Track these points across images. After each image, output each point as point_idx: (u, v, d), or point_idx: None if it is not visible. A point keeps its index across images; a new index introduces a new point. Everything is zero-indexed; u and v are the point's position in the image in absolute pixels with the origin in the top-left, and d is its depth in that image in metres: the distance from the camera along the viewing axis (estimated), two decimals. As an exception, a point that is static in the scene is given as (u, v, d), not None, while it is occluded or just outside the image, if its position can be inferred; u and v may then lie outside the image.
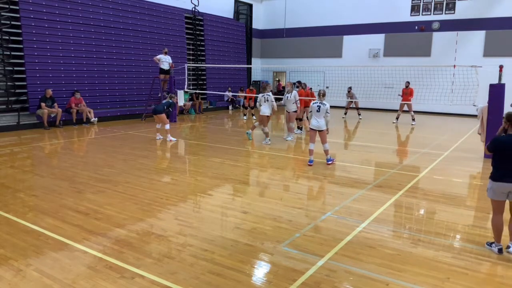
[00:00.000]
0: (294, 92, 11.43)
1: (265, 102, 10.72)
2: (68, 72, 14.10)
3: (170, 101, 11.20)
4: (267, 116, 10.79)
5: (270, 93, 10.98)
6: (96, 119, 14.20)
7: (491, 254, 4.20)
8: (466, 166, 8.59)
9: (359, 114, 17.49)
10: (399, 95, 16.45)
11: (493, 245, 4.25)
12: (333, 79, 18.27)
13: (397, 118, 16.31)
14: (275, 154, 9.53)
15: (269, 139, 10.86)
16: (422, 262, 4.00)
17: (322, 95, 8.23)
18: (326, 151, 8.38)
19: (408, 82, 16.06)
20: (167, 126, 10.84)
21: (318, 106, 8.12)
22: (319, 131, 8.21)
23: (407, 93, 15.93)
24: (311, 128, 8.32)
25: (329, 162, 8.36)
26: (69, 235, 4.48)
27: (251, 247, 4.29)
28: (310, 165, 8.23)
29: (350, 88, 17.26)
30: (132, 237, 4.47)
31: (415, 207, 5.91)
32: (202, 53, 20.29)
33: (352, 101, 17.19)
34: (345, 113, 17.75)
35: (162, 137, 11.17)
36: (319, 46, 23.30)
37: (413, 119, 15.89)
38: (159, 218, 5.13)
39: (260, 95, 11.06)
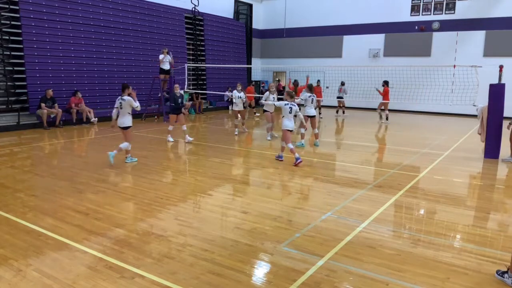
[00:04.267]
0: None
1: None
2: (68, 72, 14.10)
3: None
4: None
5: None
6: (96, 119, 14.20)
7: (491, 254, 4.20)
8: (466, 166, 8.59)
9: (343, 112, 17.75)
10: (377, 89, 16.70)
11: (506, 275, 3.61)
12: (333, 79, 18.27)
13: (382, 117, 16.50)
14: (275, 154, 9.52)
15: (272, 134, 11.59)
16: (422, 262, 3.99)
17: (291, 96, 8.35)
18: (292, 150, 8.34)
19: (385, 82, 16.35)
20: (184, 127, 10.70)
21: (290, 107, 8.22)
22: (291, 130, 8.42)
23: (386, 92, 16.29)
24: (288, 130, 8.30)
25: (299, 161, 8.15)
26: (69, 235, 4.48)
27: (251, 247, 4.29)
28: (281, 160, 8.51)
29: (342, 83, 17.37)
30: (132, 237, 4.47)
31: (415, 207, 5.91)
32: (202, 53, 20.30)
33: (342, 99, 17.41)
34: (337, 112, 17.95)
35: (173, 140, 10.86)
36: (319, 46, 23.30)
37: (387, 118, 16.30)
38: (159, 218, 5.13)
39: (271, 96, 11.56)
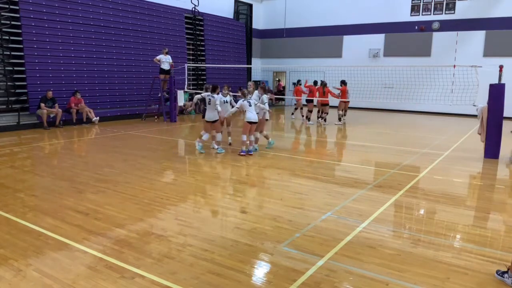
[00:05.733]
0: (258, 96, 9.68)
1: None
2: (68, 72, 14.10)
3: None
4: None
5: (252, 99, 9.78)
6: (98, 118, 14.19)
7: (491, 254, 4.20)
8: (466, 166, 8.59)
9: (344, 115, 16.48)
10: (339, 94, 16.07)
11: (506, 275, 3.57)
12: (333, 79, 18.25)
13: (341, 119, 16.04)
14: (275, 154, 9.52)
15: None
16: (422, 262, 3.99)
17: (245, 94, 9.25)
18: (250, 141, 9.13)
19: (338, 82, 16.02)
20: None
21: (248, 102, 9.00)
22: (255, 123, 9.09)
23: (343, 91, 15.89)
24: (250, 122, 8.98)
25: (243, 154, 8.98)
26: (69, 235, 4.48)
27: (251, 247, 4.29)
28: (251, 154, 9.00)
29: (342, 81, 16.25)
30: (132, 237, 4.47)
31: (415, 207, 5.91)
32: (202, 53, 20.29)
33: (343, 101, 16.25)
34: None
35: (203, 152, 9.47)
36: (319, 46, 23.30)
37: (339, 119, 15.95)
38: (159, 218, 5.13)
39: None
